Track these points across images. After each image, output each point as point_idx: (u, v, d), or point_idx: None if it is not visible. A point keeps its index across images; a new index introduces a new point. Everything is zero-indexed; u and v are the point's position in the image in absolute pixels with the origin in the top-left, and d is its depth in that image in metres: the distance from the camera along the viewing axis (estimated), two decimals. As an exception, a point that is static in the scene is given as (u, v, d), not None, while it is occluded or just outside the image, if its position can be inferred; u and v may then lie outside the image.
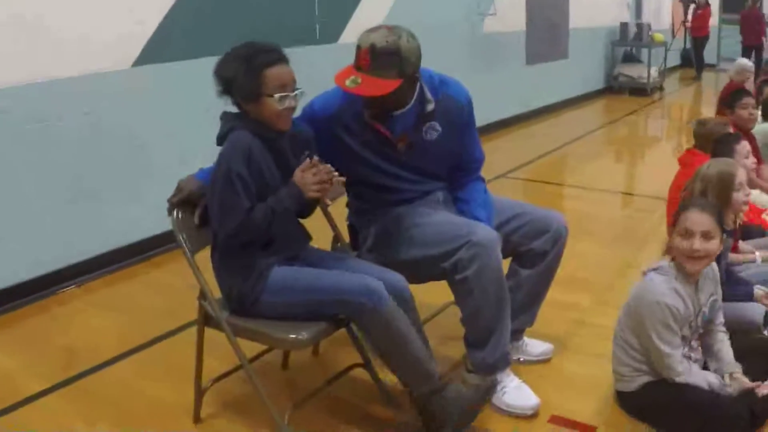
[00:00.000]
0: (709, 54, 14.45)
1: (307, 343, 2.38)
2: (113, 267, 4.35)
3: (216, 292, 2.55)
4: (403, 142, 2.73)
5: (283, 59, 2.42)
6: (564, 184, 6.78)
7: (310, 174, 2.37)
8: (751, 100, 5.09)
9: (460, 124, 2.83)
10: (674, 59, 14.87)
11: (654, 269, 2.63)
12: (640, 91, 11.64)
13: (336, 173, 2.41)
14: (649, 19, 12.50)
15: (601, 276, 4.17)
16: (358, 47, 2.54)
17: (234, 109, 2.49)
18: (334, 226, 3.01)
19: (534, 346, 3.16)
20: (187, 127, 4.64)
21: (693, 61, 14.31)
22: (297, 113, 2.56)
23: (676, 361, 2.56)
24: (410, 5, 6.61)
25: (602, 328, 3.42)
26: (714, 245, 2.55)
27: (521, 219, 2.87)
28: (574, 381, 3.04)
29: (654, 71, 11.72)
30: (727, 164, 3.24)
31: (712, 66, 14.75)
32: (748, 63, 7.37)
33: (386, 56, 2.50)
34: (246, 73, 2.36)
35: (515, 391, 2.78)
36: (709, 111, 11.18)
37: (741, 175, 3.18)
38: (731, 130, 4.36)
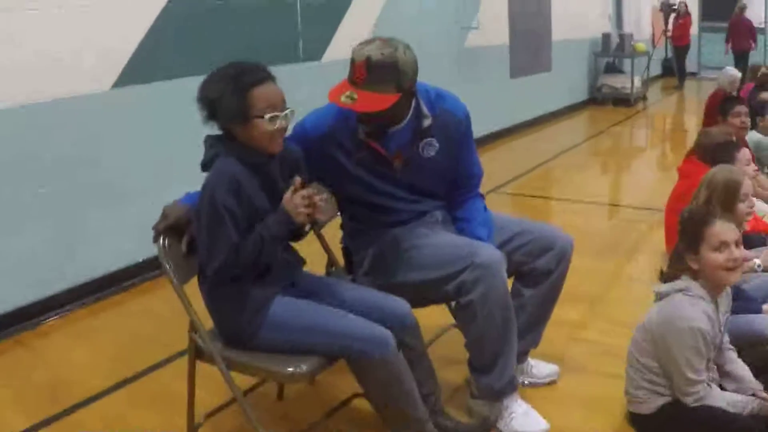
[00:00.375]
0: (690, 62, 14.49)
1: (307, 376, 2.25)
2: (96, 296, 4.18)
3: (206, 321, 2.41)
4: (399, 159, 2.62)
5: (270, 77, 2.30)
6: (551, 198, 6.71)
7: (299, 197, 2.24)
8: (743, 109, 5.04)
9: (458, 140, 2.72)
10: (655, 69, 14.88)
11: (679, 290, 2.51)
12: (623, 101, 11.62)
13: (324, 192, 2.28)
14: (630, 29, 12.51)
15: (593, 288, 4.08)
16: (353, 61, 2.43)
17: (217, 132, 2.36)
18: (327, 249, 2.89)
19: (540, 368, 3.04)
20: (170, 150, 4.50)
21: (674, 70, 14.33)
22: (287, 133, 2.43)
23: (702, 387, 2.45)
24: (394, 20, 6.53)
25: (601, 345, 3.38)
26: (743, 252, 2.50)
27: (524, 237, 2.76)
28: (581, 403, 2.93)
29: (637, 81, 11.71)
30: (733, 173, 3.19)
31: (693, 74, 14.80)
32: (736, 72, 7.33)
33: (383, 69, 2.39)
34: (232, 94, 2.22)
35: (523, 417, 2.66)
36: (693, 120, 11.24)
37: (747, 186, 3.12)
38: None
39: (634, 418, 2.67)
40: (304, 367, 2.22)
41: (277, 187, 2.34)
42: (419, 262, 2.57)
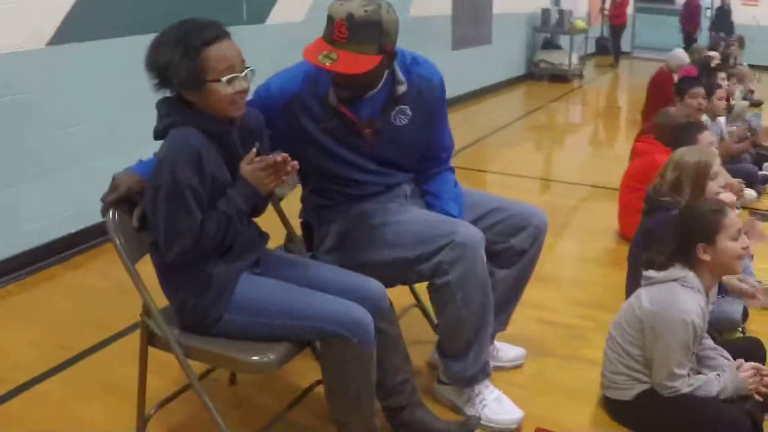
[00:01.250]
0: (624, 42, 14.63)
1: (275, 365, 2.05)
2: (27, 270, 3.87)
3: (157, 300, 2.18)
4: (370, 128, 2.42)
5: (224, 34, 2.04)
6: (489, 171, 6.65)
7: (261, 166, 2.03)
8: (701, 90, 5.01)
9: (432, 108, 2.54)
10: (590, 47, 15.00)
11: (674, 279, 2.41)
12: (560, 77, 11.64)
13: (292, 161, 2.06)
14: (567, 6, 12.51)
15: (547, 268, 3.93)
16: (330, 18, 2.22)
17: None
18: (286, 224, 2.67)
19: (505, 350, 2.93)
20: (110, 112, 4.23)
21: (609, 49, 14.45)
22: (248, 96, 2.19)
23: (681, 382, 2.39)
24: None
25: (567, 328, 3.32)
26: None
27: (498, 214, 2.62)
28: (554, 388, 2.84)
29: (575, 58, 11.74)
30: (702, 153, 3.15)
31: (627, 54, 14.97)
32: (686, 55, 7.36)
33: (365, 28, 2.19)
34: (183, 57, 1.97)
35: (495, 404, 2.55)
36: (628, 98, 11.38)
37: (716, 164, 3.07)
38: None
39: (610, 404, 2.61)
40: (272, 356, 2.03)
41: (237, 158, 2.12)
42: (392, 240, 2.40)
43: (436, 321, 2.61)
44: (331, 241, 2.52)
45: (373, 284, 2.23)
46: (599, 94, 11.83)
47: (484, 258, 2.37)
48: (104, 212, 2.14)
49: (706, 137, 3.73)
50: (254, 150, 2.07)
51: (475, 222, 2.54)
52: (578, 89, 11.52)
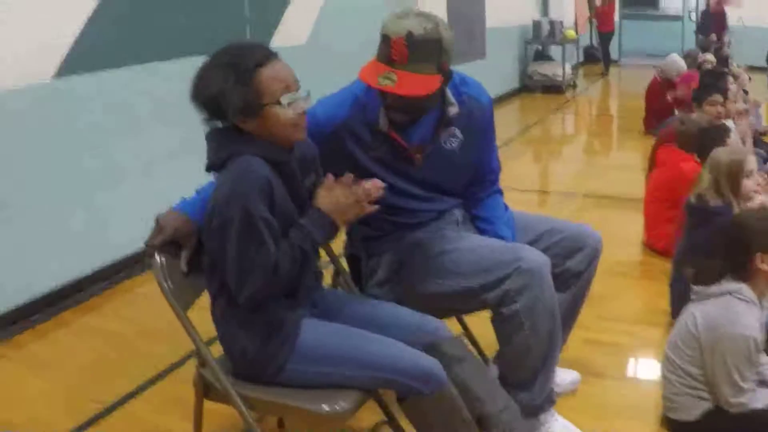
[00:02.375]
0: (611, 50, 14.60)
1: (347, 415, 1.90)
2: (40, 316, 3.67)
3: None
4: (420, 153, 2.30)
5: (273, 55, 1.91)
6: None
7: (342, 194, 1.89)
8: (719, 98, 4.94)
9: (481, 130, 2.43)
10: (579, 56, 15.00)
11: (728, 292, 2.30)
12: (554, 89, 11.56)
13: (381, 184, 1.92)
14: (555, 15, 12.48)
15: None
16: (386, 37, 2.08)
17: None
18: (333, 257, 2.52)
19: (561, 375, 2.78)
20: (114, 147, 4.07)
21: (597, 57, 14.43)
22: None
23: (748, 396, 2.29)
24: (340, 3, 6.17)
25: (614, 347, 3.20)
26: None
27: (552, 236, 2.49)
28: (611, 411, 2.73)
29: (568, 68, 11.68)
30: (735, 152, 3.17)
31: (614, 62, 14.96)
32: (683, 61, 7.32)
33: (426, 47, 2.06)
34: (236, 83, 1.82)
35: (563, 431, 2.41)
36: (621, 105, 11.33)
37: (751, 162, 3.04)
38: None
39: (675, 426, 2.50)
40: (343, 404, 1.87)
41: (299, 190, 1.98)
42: (451, 269, 2.26)
43: (496, 350, 2.47)
44: (384, 273, 2.38)
45: (434, 322, 2.11)
46: (592, 103, 11.78)
47: (551, 283, 2.24)
48: (149, 256, 1.98)
49: (734, 142, 3.68)
50: (349, 176, 1.93)
51: (529, 245, 2.40)
52: (572, 100, 11.45)
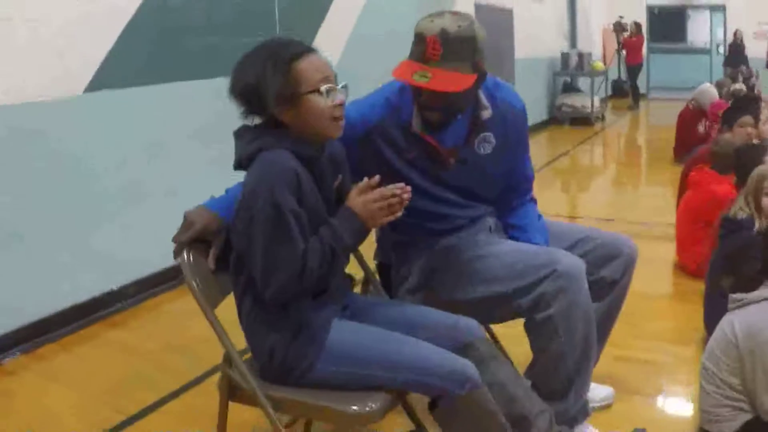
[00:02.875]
0: (639, 83, 14.56)
1: (377, 416, 1.83)
2: (65, 330, 3.66)
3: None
4: (454, 157, 2.26)
5: (311, 49, 1.89)
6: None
7: (373, 197, 1.85)
8: (749, 119, 4.87)
9: (516, 136, 2.38)
10: (607, 89, 14.96)
11: (765, 299, 2.22)
12: (583, 120, 11.51)
13: (408, 189, 1.87)
14: (585, 47, 12.50)
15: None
16: (420, 35, 2.06)
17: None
18: (363, 264, 2.46)
19: (595, 390, 2.69)
20: (138, 165, 4.08)
21: (625, 91, 14.38)
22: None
23: None
24: (372, 28, 6.20)
25: (648, 364, 3.12)
26: None
27: (587, 244, 2.42)
28: (647, 428, 2.59)
29: (596, 100, 11.64)
30: (761, 168, 3.20)
31: (642, 95, 14.90)
32: (714, 89, 7.26)
33: (460, 44, 2.03)
34: (274, 72, 1.81)
35: (599, 448, 2.32)
36: (650, 137, 11.25)
37: None
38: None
39: (714, 438, 2.38)
40: (373, 405, 1.81)
41: (327, 187, 1.95)
42: (484, 275, 2.20)
43: (527, 365, 2.39)
44: (415, 280, 2.33)
45: (467, 322, 2.04)
46: (621, 135, 11.70)
47: (587, 288, 2.17)
48: (178, 253, 1.95)
49: None
50: (376, 178, 1.88)
51: (563, 252, 2.34)
52: (601, 132, 11.39)
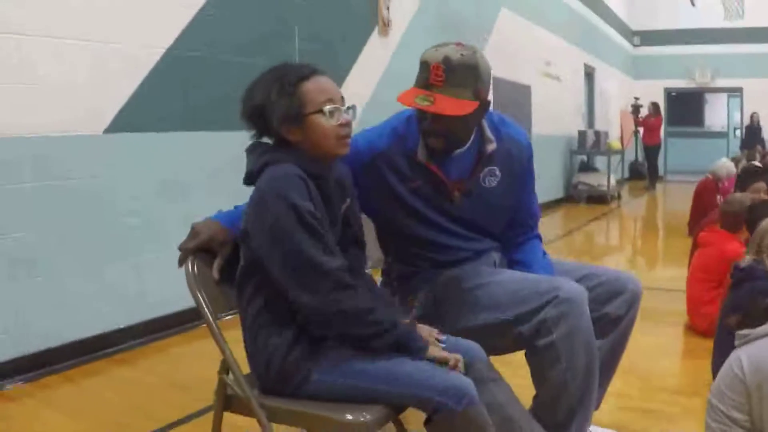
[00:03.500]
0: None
1: (372, 428, 1.81)
2: (70, 363, 3.68)
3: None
4: (459, 189, 2.29)
5: (320, 71, 1.95)
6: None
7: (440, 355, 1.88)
8: (763, 185, 4.89)
9: (521, 171, 2.41)
10: (624, 172, 15.07)
11: None
12: (598, 199, 11.58)
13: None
14: (603, 128, 12.66)
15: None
16: (425, 63, 2.13)
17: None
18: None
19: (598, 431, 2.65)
20: (157, 206, 4.16)
21: (642, 173, 14.46)
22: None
23: None
24: (394, 84, 6.33)
25: (656, 414, 3.06)
26: None
27: (591, 280, 2.41)
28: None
29: (612, 179, 11.73)
30: None
31: (660, 178, 14.98)
32: (732, 164, 7.33)
33: (463, 70, 2.10)
34: (280, 94, 1.87)
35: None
36: (666, 216, 11.25)
37: None
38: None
39: (718, 476, 2.31)
40: (368, 416, 1.79)
41: (336, 213, 1.98)
42: (486, 303, 2.20)
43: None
44: (419, 311, 2.32)
45: (468, 344, 2.02)
46: (637, 213, 11.73)
47: (589, 315, 2.16)
48: (182, 261, 1.98)
49: None
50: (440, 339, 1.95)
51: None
52: (616, 209, 11.42)
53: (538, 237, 2.54)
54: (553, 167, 11.36)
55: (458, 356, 1.87)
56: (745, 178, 5.20)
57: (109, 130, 3.92)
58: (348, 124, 1.93)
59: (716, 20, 15.53)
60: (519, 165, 2.40)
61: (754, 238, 3.08)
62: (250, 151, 1.97)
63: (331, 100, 1.90)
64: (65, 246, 3.72)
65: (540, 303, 2.12)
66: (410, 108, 2.25)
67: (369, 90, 5.91)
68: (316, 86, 1.90)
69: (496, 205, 2.37)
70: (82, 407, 3.21)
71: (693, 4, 15.22)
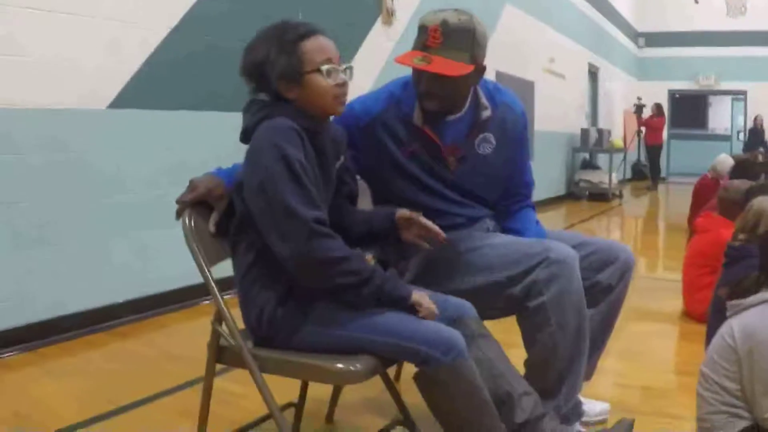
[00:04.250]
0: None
1: (361, 376, 1.84)
2: (71, 334, 3.72)
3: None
4: (454, 155, 2.32)
5: (319, 30, 1.97)
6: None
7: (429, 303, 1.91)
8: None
9: (515, 139, 2.44)
10: (627, 172, 15.08)
11: (764, 301, 2.22)
12: (599, 196, 11.60)
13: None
14: (606, 126, 12.68)
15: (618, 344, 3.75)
16: (423, 27, 2.17)
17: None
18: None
19: (590, 405, 2.66)
20: (158, 183, 4.19)
21: (646, 174, 14.47)
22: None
23: None
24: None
25: (651, 390, 3.08)
26: None
27: (584, 249, 2.43)
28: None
29: (614, 177, 11.75)
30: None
31: (662, 179, 14.98)
32: (731, 159, 7.32)
33: (460, 34, 2.14)
34: (280, 52, 1.90)
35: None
36: (667, 214, 11.26)
37: None
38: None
39: (710, 447, 2.33)
40: (358, 365, 1.82)
41: (329, 168, 2.01)
42: (480, 265, 2.22)
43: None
44: (412, 274, 2.35)
45: (459, 301, 2.05)
46: (638, 211, 11.74)
47: (580, 276, 2.19)
48: (179, 213, 2.01)
49: None
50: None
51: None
52: (618, 207, 11.44)
53: (532, 206, 2.57)
54: (556, 164, 11.39)
55: (434, 309, 1.89)
56: (738, 171, 5.22)
57: (113, 105, 3.96)
58: (345, 84, 1.96)
59: (721, 23, 15.58)
60: (514, 132, 2.43)
61: (747, 218, 3.08)
62: (246, 109, 2.00)
63: (329, 60, 1.93)
64: (70, 218, 3.75)
65: (531, 264, 2.14)
66: (408, 74, 2.29)
67: (371, 79, 5.92)
68: (315, 45, 1.93)
69: (491, 172, 2.40)
70: (77, 374, 3.24)
71: (696, 1, 15.24)
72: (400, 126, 2.30)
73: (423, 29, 2.17)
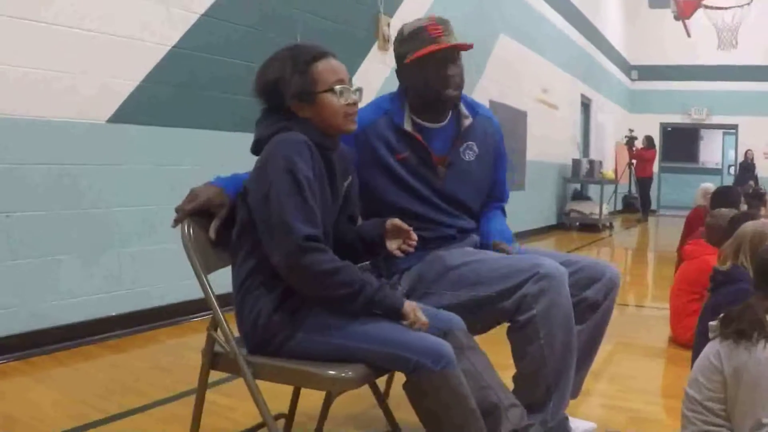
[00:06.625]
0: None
1: (353, 384, 1.89)
2: (63, 345, 3.73)
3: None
4: (443, 163, 2.45)
5: (331, 53, 2.08)
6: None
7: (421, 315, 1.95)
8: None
9: (494, 150, 2.62)
10: (617, 204, 15.19)
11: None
12: (590, 227, 11.69)
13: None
14: (597, 157, 12.80)
15: (605, 367, 3.81)
16: (418, 30, 2.39)
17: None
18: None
19: (576, 424, 2.68)
20: (155, 197, 4.23)
21: (637, 207, 14.57)
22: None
23: None
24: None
25: (639, 412, 3.10)
26: None
27: (571, 266, 2.46)
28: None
29: (605, 208, 11.84)
30: (760, 225, 3.23)
31: (652, 212, 15.09)
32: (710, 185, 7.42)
33: (447, 23, 2.41)
34: (293, 72, 1.99)
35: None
36: (657, 244, 11.32)
37: None
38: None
39: (694, 464, 2.36)
40: (350, 373, 1.86)
41: (337, 186, 2.09)
42: (471, 279, 2.28)
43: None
44: (404, 288, 2.40)
45: (448, 315, 2.10)
46: (628, 241, 11.80)
47: (569, 293, 2.24)
48: (178, 221, 2.05)
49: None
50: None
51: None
52: (608, 238, 11.51)
53: (502, 209, 2.71)
54: (546, 194, 11.48)
55: (425, 321, 1.93)
56: (718, 199, 5.34)
57: (112, 120, 4.01)
58: (355, 104, 2.06)
59: (713, 57, 15.80)
60: (493, 143, 2.60)
61: (734, 242, 3.15)
62: (260, 121, 2.08)
63: (341, 81, 2.03)
64: (64, 230, 3.78)
65: (522, 279, 2.20)
66: (393, 90, 2.51)
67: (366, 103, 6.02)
68: (327, 67, 2.03)
69: (475, 179, 2.54)
70: (68, 383, 3.27)
71: (688, 35, 15.47)
72: (391, 133, 2.42)
73: (420, 30, 2.37)
